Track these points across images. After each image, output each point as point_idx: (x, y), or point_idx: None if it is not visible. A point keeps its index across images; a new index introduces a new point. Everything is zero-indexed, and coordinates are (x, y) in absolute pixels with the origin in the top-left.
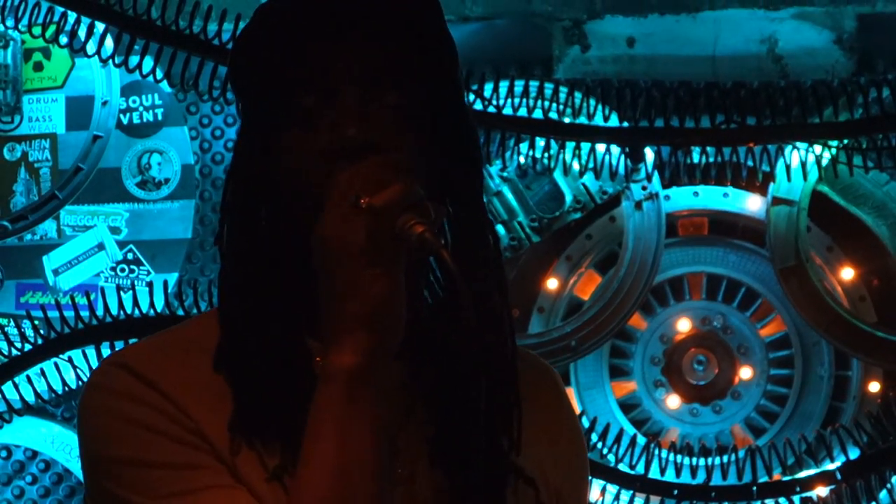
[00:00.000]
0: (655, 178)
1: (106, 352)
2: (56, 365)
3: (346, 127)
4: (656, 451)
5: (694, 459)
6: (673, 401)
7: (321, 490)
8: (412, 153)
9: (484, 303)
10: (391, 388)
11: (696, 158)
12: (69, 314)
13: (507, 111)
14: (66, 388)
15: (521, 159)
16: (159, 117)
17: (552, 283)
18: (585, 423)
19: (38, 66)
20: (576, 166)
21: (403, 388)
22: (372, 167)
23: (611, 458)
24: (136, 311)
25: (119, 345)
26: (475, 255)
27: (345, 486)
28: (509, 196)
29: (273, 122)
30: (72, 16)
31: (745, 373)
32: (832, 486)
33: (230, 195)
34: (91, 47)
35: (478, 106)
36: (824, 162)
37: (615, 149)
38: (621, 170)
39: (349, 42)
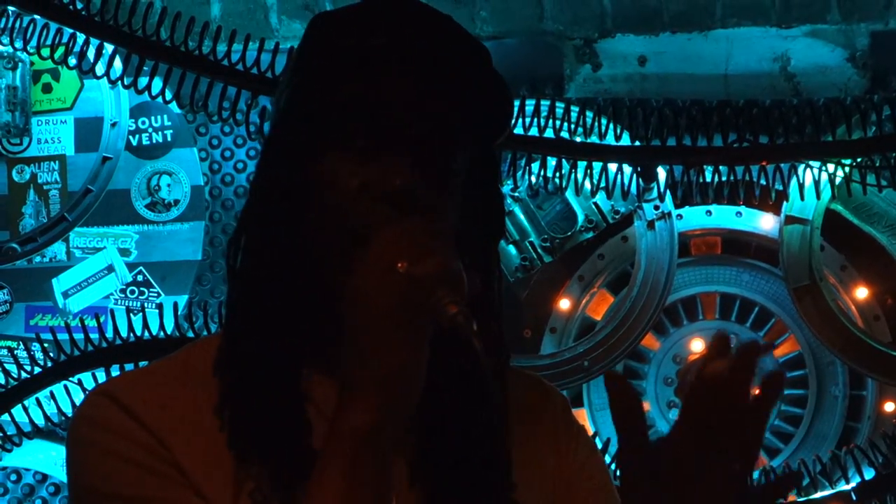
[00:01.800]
0: (668, 197)
1: (116, 375)
2: (66, 388)
3: (395, 175)
4: None
5: None
6: None
7: None
8: (451, 216)
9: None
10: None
11: (708, 177)
12: (79, 337)
13: (518, 130)
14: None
15: (533, 179)
16: (169, 139)
17: (564, 304)
18: (599, 444)
19: (47, 88)
20: (587, 186)
21: None
22: (415, 230)
23: None
24: (146, 334)
25: (129, 367)
26: (485, 319)
27: None
28: (521, 216)
29: (318, 153)
30: (80, 37)
31: None
32: None
33: (251, 222)
34: (100, 69)
35: None
36: (838, 180)
37: (627, 168)
38: (633, 189)
39: (416, 90)
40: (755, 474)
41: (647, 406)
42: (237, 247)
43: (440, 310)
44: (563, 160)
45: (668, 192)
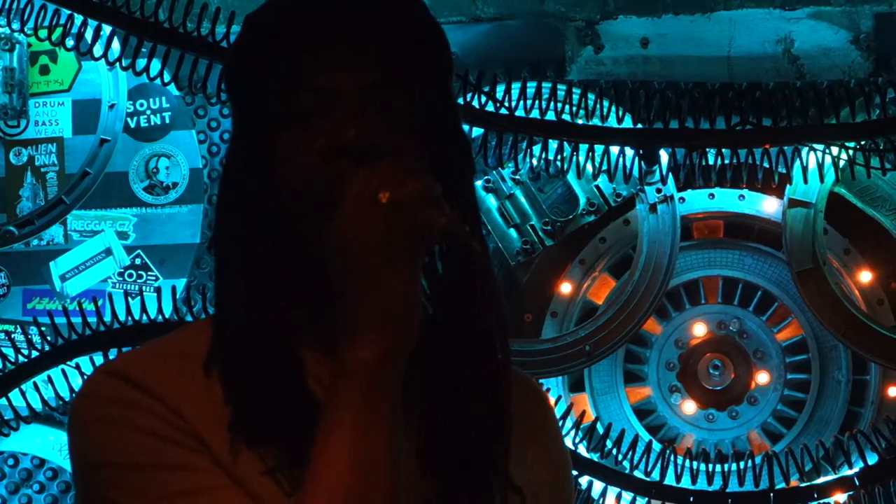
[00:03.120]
0: (670, 180)
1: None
2: (63, 372)
3: (346, 129)
4: (672, 458)
5: (710, 466)
6: (689, 406)
7: (339, 483)
8: (418, 157)
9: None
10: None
11: (711, 160)
12: (76, 320)
13: (520, 113)
14: (74, 396)
15: (534, 162)
16: (167, 121)
17: (566, 288)
18: (600, 429)
19: (45, 70)
20: (589, 169)
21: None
22: (388, 166)
23: (626, 464)
24: (145, 317)
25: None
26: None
27: (364, 480)
28: (522, 199)
29: (270, 125)
30: (78, 18)
31: (762, 378)
32: (850, 493)
33: (225, 199)
34: (98, 50)
35: (490, 107)
36: (841, 163)
37: (629, 151)
38: (635, 172)
39: (348, 45)
40: (758, 460)
41: (648, 391)
42: (217, 233)
43: (431, 224)
44: (565, 143)
45: (670, 175)
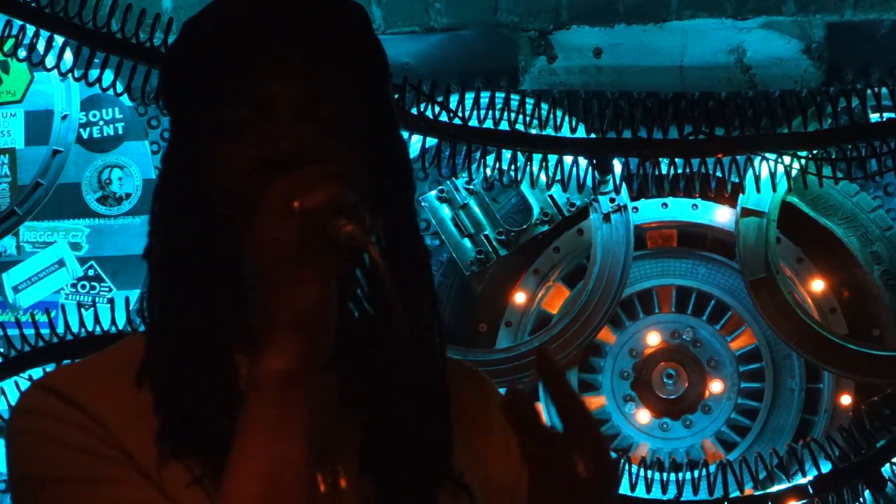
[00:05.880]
0: (623, 189)
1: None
2: (17, 384)
3: (279, 139)
4: (626, 467)
5: (664, 474)
6: (643, 415)
7: (250, 494)
8: (346, 166)
9: (414, 315)
10: (321, 396)
11: (664, 170)
12: (29, 332)
13: (473, 123)
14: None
15: (488, 172)
16: (120, 131)
17: (520, 297)
18: None
19: None
20: (543, 178)
21: (333, 397)
22: (306, 175)
23: None
24: (98, 329)
25: None
26: (406, 268)
27: (274, 492)
28: (476, 209)
29: (205, 135)
30: (30, 29)
31: (716, 386)
32: (804, 501)
33: (159, 208)
34: (50, 61)
35: (443, 118)
36: (793, 173)
37: (583, 161)
38: (589, 182)
39: (282, 55)
40: (712, 468)
41: (603, 400)
42: (151, 241)
43: (337, 233)
44: (519, 153)
45: (623, 184)
